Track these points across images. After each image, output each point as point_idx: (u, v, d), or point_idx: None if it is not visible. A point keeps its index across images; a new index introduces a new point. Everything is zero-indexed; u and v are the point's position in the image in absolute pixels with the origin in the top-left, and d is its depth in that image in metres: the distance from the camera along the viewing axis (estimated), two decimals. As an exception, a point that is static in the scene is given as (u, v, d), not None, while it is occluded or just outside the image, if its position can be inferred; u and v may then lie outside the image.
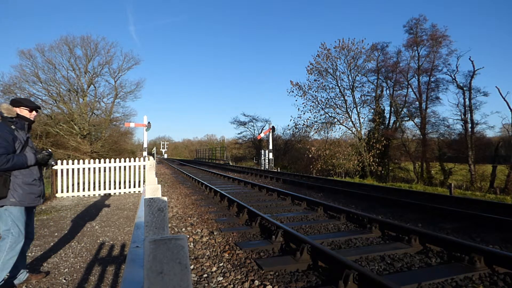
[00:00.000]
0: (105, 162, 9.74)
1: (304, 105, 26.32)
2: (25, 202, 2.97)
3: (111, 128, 28.28)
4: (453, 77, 21.73)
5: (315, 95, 24.65)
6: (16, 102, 3.04)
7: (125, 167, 9.92)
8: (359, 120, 24.00)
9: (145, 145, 17.55)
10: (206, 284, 3.11)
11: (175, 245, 0.74)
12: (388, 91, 24.82)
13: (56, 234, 5.02)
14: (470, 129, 20.64)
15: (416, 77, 23.20)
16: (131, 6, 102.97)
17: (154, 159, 12.25)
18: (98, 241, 4.64)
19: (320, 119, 24.46)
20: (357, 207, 6.92)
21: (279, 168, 23.87)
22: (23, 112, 3.09)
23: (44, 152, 3.15)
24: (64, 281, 3.25)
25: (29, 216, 3.16)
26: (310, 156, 23.39)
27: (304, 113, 29.65)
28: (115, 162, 9.86)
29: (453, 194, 8.63)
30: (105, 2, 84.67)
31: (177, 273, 0.73)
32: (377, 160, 22.17)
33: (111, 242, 4.56)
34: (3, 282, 2.87)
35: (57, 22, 63.14)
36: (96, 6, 79.32)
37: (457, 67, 21.57)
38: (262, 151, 24.38)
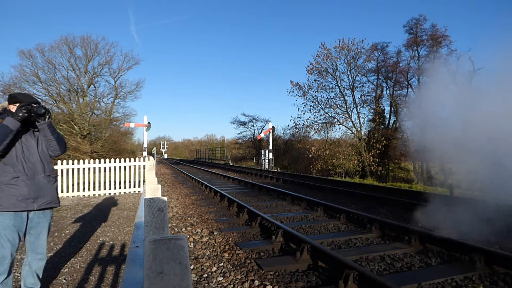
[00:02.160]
0: (105, 162, 9.74)
1: (304, 105, 26.25)
2: (2, 206, 2.44)
3: (111, 128, 28.27)
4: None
5: (315, 95, 24.63)
6: (12, 98, 2.69)
7: (125, 167, 9.92)
8: (359, 120, 24.00)
9: (145, 145, 17.55)
10: (206, 284, 3.11)
11: (175, 245, 0.74)
12: (388, 91, 24.82)
13: (56, 234, 5.02)
14: (470, 129, 20.62)
15: (416, 77, 23.22)
16: (133, 6, 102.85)
17: (154, 159, 12.26)
18: (98, 241, 4.64)
19: (320, 119, 24.43)
20: (357, 207, 6.92)
21: (279, 168, 23.87)
22: None
23: (22, 108, 2.47)
24: (64, 281, 3.25)
25: (32, 224, 2.61)
26: (310, 156, 23.38)
27: (304, 113, 29.57)
28: (115, 162, 9.86)
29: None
30: (106, 2, 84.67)
31: (177, 273, 0.73)
32: (377, 160, 22.16)
33: (111, 242, 4.56)
34: None
35: (57, 22, 63.12)
36: (97, 6, 79.31)
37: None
38: (262, 151, 24.37)
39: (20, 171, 2.51)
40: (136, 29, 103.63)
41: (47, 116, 2.59)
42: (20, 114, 2.45)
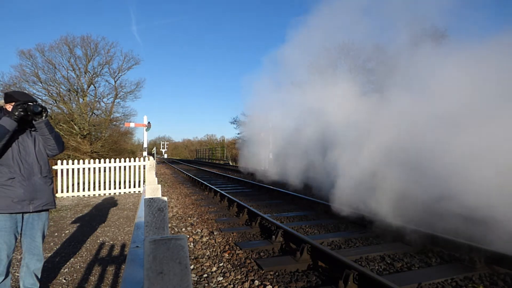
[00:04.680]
0: (105, 162, 9.74)
1: (304, 105, 26.32)
2: None
3: (111, 128, 28.27)
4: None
5: (315, 95, 24.68)
6: (8, 97, 2.59)
7: (125, 167, 9.92)
8: (359, 120, 24.02)
9: (145, 145, 17.54)
10: (206, 284, 3.11)
11: (175, 245, 0.74)
12: (388, 91, 24.82)
13: (56, 234, 5.02)
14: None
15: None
16: (134, 6, 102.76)
17: (154, 159, 12.26)
18: (98, 241, 4.64)
19: (320, 119, 24.47)
20: (357, 207, 6.91)
21: (279, 168, 23.82)
22: None
23: (18, 108, 2.41)
24: (64, 281, 3.25)
25: (27, 226, 2.56)
26: (310, 156, 23.39)
27: (304, 113, 29.60)
28: (115, 162, 9.85)
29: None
30: (107, 2, 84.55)
31: (177, 273, 0.73)
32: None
33: (111, 242, 4.56)
34: None
35: (58, 22, 63.04)
36: (99, 6, 79.20)
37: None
38: (262, 151, 24.35)
39: (16, 172, 2.44)
40: (138, 29, 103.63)
41: (44, 114, 2.53)
42: (17, 113, 2.39)
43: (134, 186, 9.93)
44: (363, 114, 5.93)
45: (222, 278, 3.25)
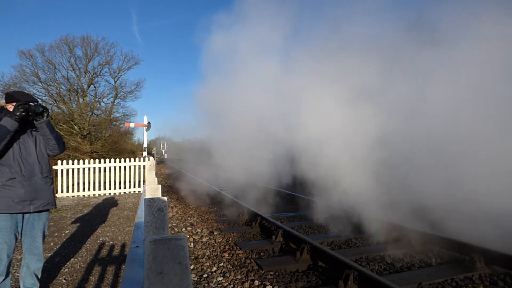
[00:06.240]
0: (105, 162, 9.74)
1: (304, 105, 26.30)
2: None
3: (111, 128, 28.29)
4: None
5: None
6: (9, 97, 2.60)
7: (125, 167, 9.91)
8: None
9: (145, 145, 17.53)
10: (206, 284, 3.11)
11: (175, 245, 0.74)
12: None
13: (56, 234, 5.02)
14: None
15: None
16: (136, 6, 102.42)
17: (154, 159, 12.25)
18: (98, 241, 4.64)
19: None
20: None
21: (279, 168, 23.83)
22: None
23: (19, 108, 2.42)
24: (64, 281, 3.25)
25: (27, 226, 2.56)
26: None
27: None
28: (115, 162, 9.85)
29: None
30: (108, 2, 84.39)
31: (177, 273, 0.73)
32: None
33: (111, 242, 4.56)
34: None
35: (58, 22, 62.81)
36: (99, 6, 79.05)
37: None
38: (262, 151, 24.34)
39: (17, 172, 2.44)
40: (139, 29, 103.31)
41: (46, 115, 2.53)
42: (18, 114, 2.39)
43: (134, 186, 9.93)
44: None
45: (222, 278, 3.25)
